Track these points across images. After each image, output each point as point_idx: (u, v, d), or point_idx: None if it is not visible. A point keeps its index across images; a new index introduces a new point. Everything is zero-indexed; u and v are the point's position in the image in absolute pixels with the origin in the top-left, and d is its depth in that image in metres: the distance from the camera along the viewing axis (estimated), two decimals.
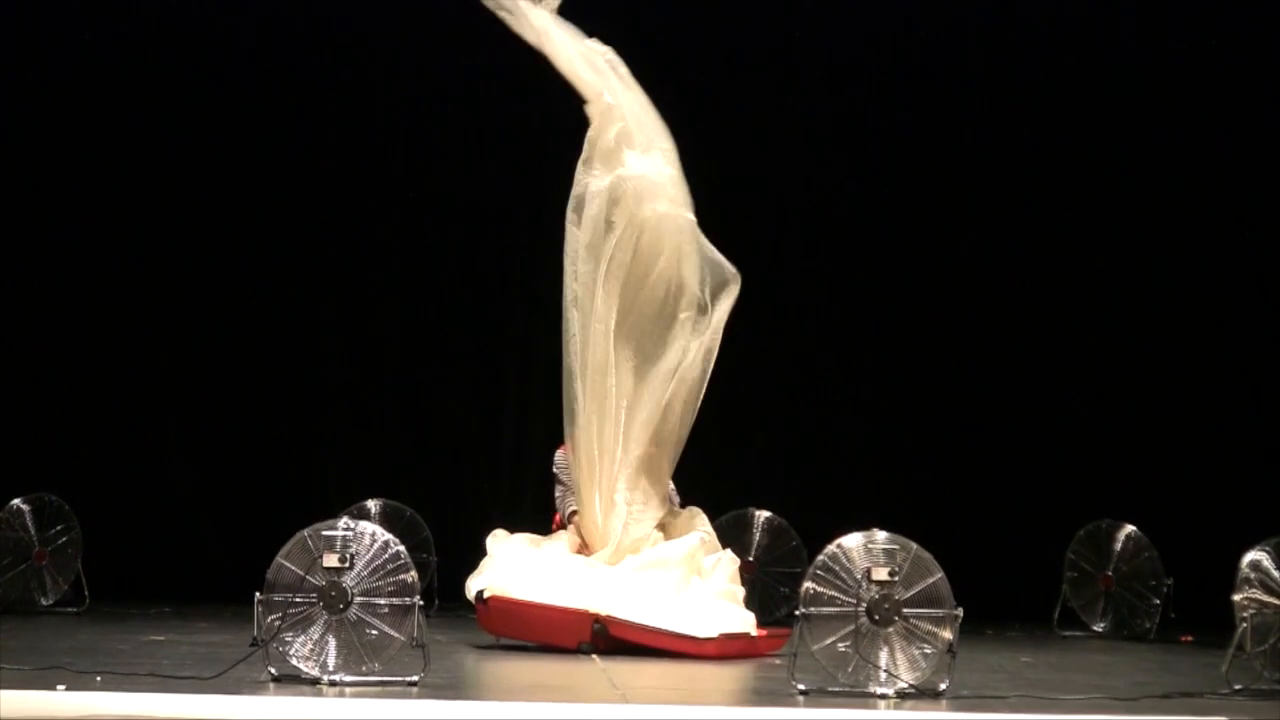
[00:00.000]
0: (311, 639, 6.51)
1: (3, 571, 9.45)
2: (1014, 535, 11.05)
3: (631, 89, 8.53)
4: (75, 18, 11.26)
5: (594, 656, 7.92)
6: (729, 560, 8.46)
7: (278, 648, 6.51)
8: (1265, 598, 7.04)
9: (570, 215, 8.50)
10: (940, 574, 6.61)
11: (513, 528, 8.68)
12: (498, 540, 8.48)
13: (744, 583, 8.65)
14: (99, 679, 6.34)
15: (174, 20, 11.33)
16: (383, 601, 6.56)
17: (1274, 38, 11.18)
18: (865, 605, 6.57)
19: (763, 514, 9.91)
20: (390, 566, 6.59)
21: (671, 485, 8.80)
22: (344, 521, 6.68)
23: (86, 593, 9.73)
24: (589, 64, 8.52)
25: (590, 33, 8.61)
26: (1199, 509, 10.98)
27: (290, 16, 11.41)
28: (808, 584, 6.65)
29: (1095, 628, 9.95)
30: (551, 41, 8.48)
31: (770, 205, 11.58)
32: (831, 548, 6.69)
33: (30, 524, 9.56)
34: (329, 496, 10.23)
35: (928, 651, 6.59)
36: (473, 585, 8.40)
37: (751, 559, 9.60)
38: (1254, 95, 11.31)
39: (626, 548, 8.38)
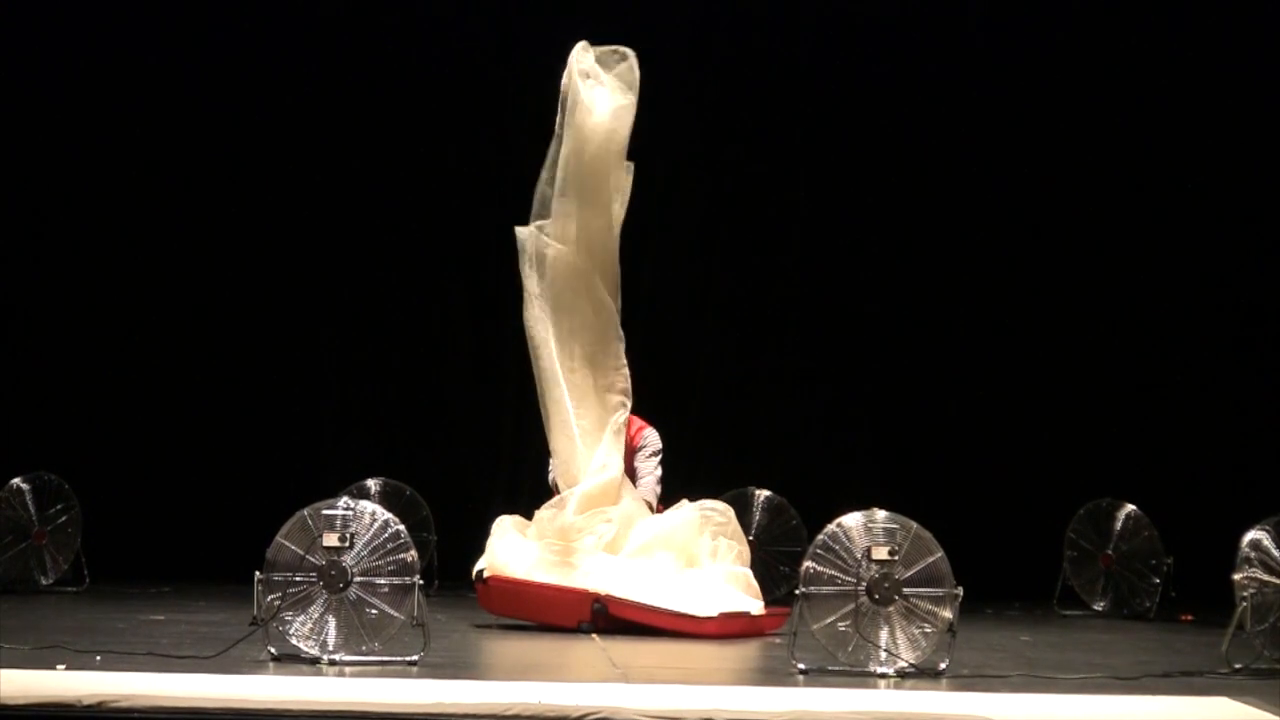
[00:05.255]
0: (311, 618, 6.52)
1: (2, 551, 9.44)
2: (1014, 514, 11.06)
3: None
4: (75, 16, 11.29)
5: (594, 636, 7.92)
6: (726, 548, 8.41)
7: (277, 627, 6.51)
8: (1265, 577, 7.05)
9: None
10: (940, 553, 6.61)
11: (514, 508, 8.67)
12: (499, 524, 8.48)
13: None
14: (98, 658, 6.35)
15: (172, 17, 11.36)
16: (382, 581, 6.56)
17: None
18: (865, 584, 6.58)
19: (763, 493, 9.91)
20: (390, 546, 6.59)
21: (653, 483, 8.78)
22: (344, 500, 6.68)
23: (86, 572, 9.73)
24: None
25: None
26: (1199, 488, 10.98)
27: (289, 15, 11.41)
28: (808, 563, 6.66)
29: (1095, 607, 9.95)
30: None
31: (774, 184, 11.56)
32: (831, 527, 6.69)
33: (30, 503, 9.56)
34: (329, 475, 10.22)
35: (928, 630, 6.59)
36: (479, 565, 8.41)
37: (751, 538, 9.59)
38: (1250, 87, 11.31)
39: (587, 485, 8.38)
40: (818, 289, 11.50)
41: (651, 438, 8.87)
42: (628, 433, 8.76)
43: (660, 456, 8.82)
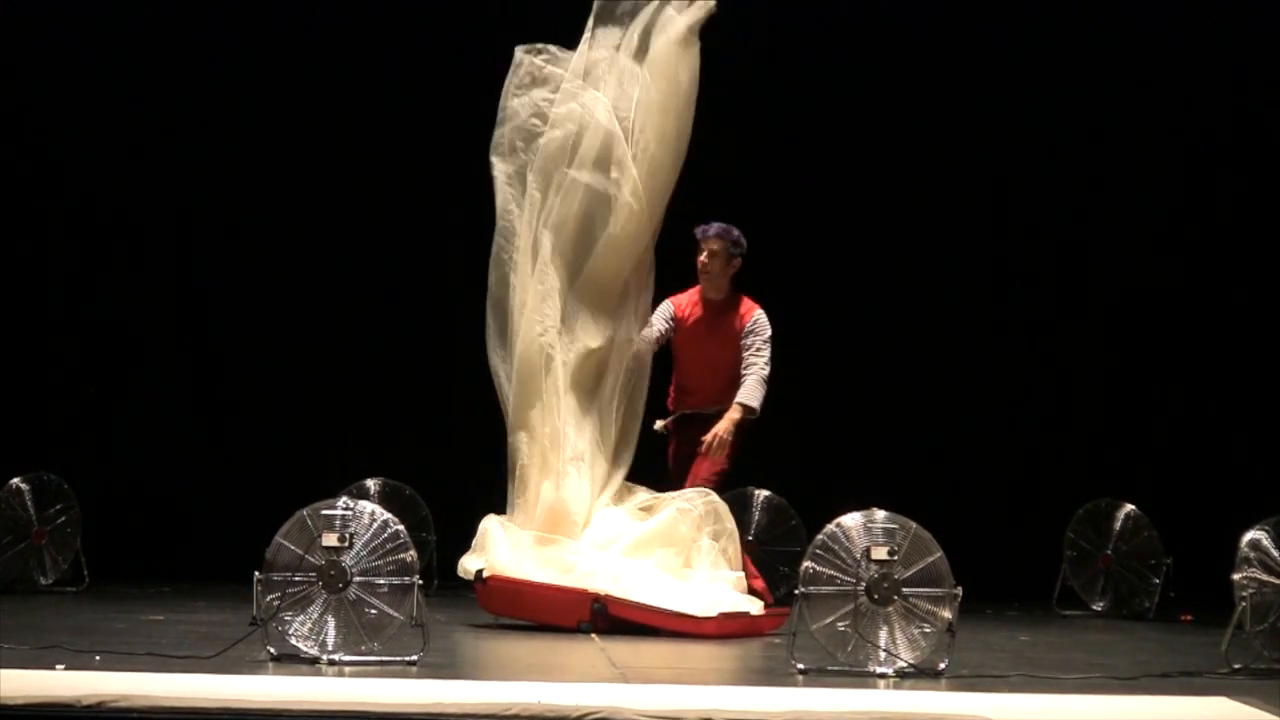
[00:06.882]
0: (310, 618, 6.51)
1: (2, 551, 9.45)
2: (1014, 514, 11.06)
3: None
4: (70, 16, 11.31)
5: (593, 636, 7.92)
6: (709, 548, 8.39)
7: (276, 627, 6.51)
8: (1265, 577, 7.05)
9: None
10: (939, 553, 6.61)
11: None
12: (490, 520, 8.47)
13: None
14: (98, 658, 6.35)
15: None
16: (382, 581, 6.56)
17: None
18: (864, 584, 6.58)
19: (762, 493, 9.90)
20: (389, 546, 6.59)
21: (758, 382, 8.67)
22: (343, 500, 6.68)
23: (85, 572, 9.73)
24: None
25: None
26: (1199, 488, 10.99)
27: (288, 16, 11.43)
28: (807, 563, 6.66)
29: (1095, 607, 9.96)
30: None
31: (773, 183, 11.54)
32: (831, 527, 6.69)
33: (29, 503, 9.56)
34: (328, 475, 10.21)
35: (927, 631, 6.59)
36: (468, 564, 8.39)
37: (751, 538, 9.59)
38: (1250, 89, 11.34)
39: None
40: (818, 288, 11.49)
41: (763, 320, 8.76)
42: (736, 313, 8.74)
43: (770, 346, 8.70)
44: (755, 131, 11.49)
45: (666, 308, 8.82)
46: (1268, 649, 6.96)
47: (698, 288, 8.83)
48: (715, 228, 8.79)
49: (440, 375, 11.30)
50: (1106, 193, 11.55)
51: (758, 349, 8.67)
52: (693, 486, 8.49)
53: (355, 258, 11.42)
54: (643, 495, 8.53)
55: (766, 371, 8.66)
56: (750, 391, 8.60)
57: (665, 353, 8.89)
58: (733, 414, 8.55)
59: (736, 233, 8.81)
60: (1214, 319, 11.40)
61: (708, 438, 8.51)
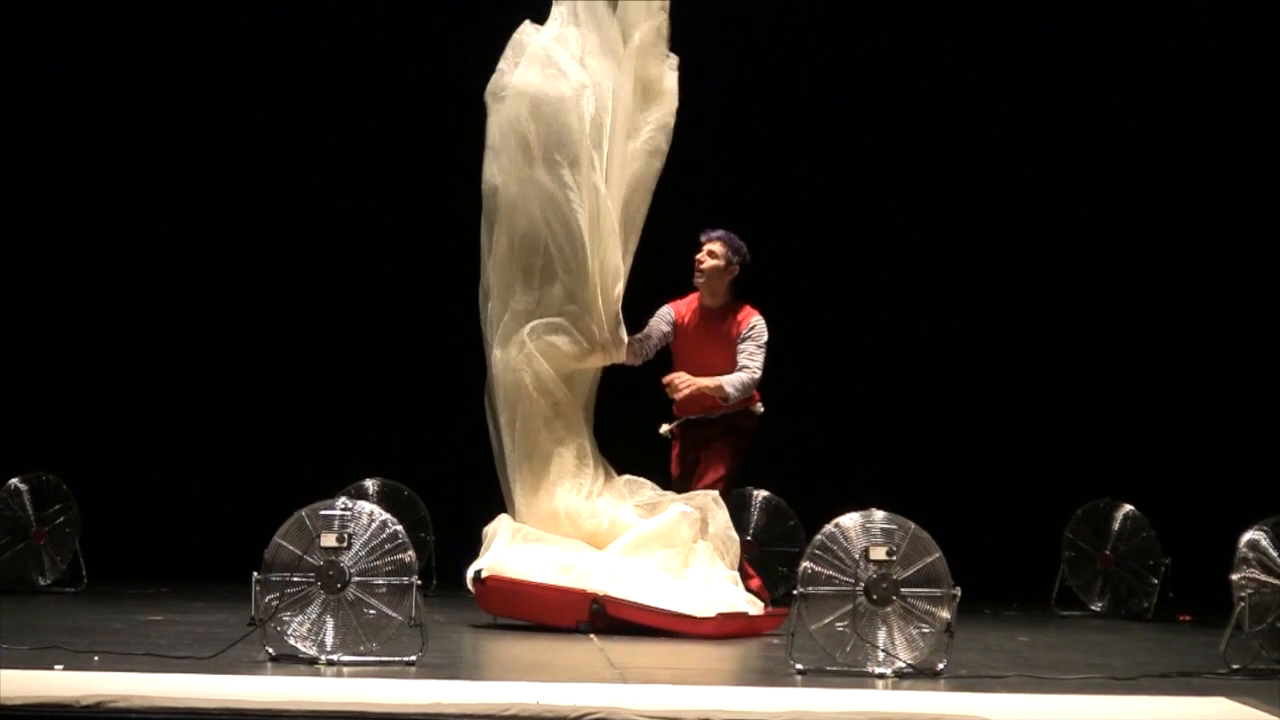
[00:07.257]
0: (309, 619, 6.51)
1: (0, 551, 9.45)
2: (1012, 514, 11.06)
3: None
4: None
5: (592, 636, 7.92)
6: (703, 548, 8.36)
7: (275, 627, 6.51)
8: (1263, 577, 7.05)
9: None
10: (938, 553, 6.61)
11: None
12: (502, 526, 8.47)
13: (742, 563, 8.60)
14: (96, 659, 6.35)
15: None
16: (380, 581, 6.56)
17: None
18: (863, 585, 6.58)
19: (760, 493, 9.91)
20: (388, 546, 6.59)
21: (748, 378, 8.62)
22: (342, 501, 6.67)
23: (84, 572, 9.73)
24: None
25: None
26: (1197, 488, 10.99)
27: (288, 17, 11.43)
28: (805, 563, 6.66)
29: (1093, 607, 9.96)
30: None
31: (772, 183, 11.55)
32: (829, 527, 6.69)
33: (28, 503, 9.55)
34: (327, 475, 10.22)
35: (926, 631, 6.59)
36: (469, 573, 8.39)
37: (749, 538, 9.59)
38: (1249, 90, 11.34)
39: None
40: (816, 287, 11.49)
41: (760, 326, 8.71)
42: (733, 319, 8.72)
43: (765, 352, 8.66)
44: (754, 131, 11.50)
45: (667, 312, 8.83)
46: (1266, 649, 6.96)
47: (697, 294, 8.83)
48: (720, 232, 8.81)
49: (440, 376, 11.30)
50: (1106, 193, 11.56)
51: (751, 353, 8.66)
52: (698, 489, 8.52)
53: (354, 258, 11.42)
54: (648, 493, 8.53)
55: (758, 375, 8.64)
56: (732, 379, 8.59)
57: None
58: (708, 381, 8.55)
59: (740, 243, 8.80)
60: (1213, 319, 11.40)
61: (672, 376, 8.58)
